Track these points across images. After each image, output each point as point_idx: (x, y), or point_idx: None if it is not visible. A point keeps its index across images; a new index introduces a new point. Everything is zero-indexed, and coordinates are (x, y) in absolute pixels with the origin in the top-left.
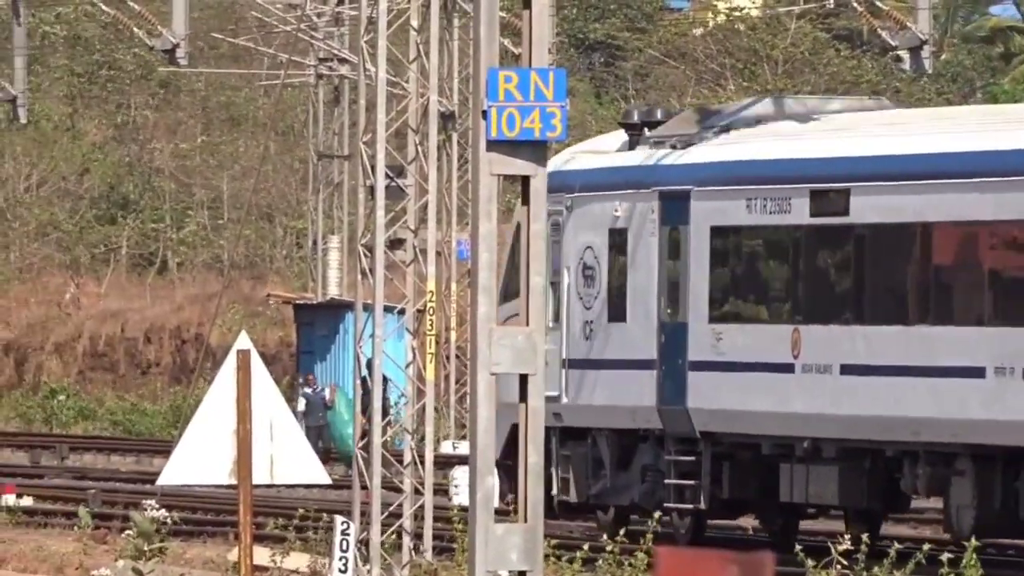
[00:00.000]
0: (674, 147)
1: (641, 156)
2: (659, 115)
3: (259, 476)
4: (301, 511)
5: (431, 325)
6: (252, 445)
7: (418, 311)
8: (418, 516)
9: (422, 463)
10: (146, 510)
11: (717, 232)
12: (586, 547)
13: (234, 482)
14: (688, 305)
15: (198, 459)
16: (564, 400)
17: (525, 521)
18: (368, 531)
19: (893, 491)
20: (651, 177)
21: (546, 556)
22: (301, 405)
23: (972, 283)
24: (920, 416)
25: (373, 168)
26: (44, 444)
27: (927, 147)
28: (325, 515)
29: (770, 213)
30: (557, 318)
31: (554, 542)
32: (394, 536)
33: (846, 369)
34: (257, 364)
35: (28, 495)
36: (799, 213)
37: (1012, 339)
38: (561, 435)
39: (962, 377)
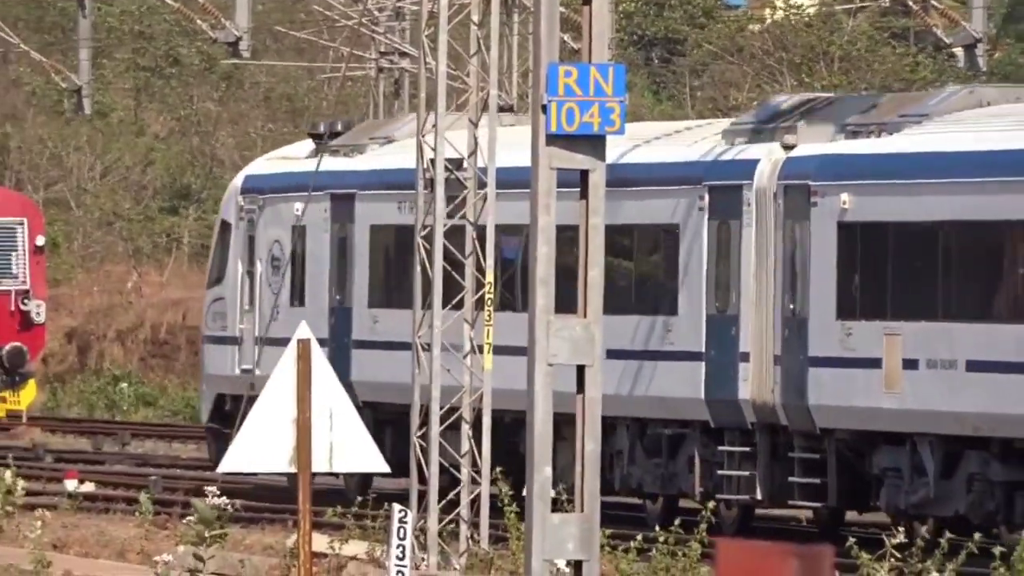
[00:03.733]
0: (347, 155)
1: (321, 163)
2: (340, 126)
3: (318, 464)
4: (360, 499)
5: (489, 315)
6: (312, 433)
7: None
8: (475, 504)
9: (480, 452)
10: (207, 496)
11: (375, 230)
12: (639, 537)
13: (294, 470)
14: (353, 292)
15: (258, 447)
16: (257, 372)
17: (582, 511)
18: (426, 519)
19: None
20: (326, 181)
21: (601, 546)
22: None
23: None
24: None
25: (433, 161)
26: (106, 431)
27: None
28: (385, 503)
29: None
30: (252, 302)
31: (609, 532)
32: (451, 525)
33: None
34: (317, 353)
35: (90, 480)
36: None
37: None
38: (254, 403)
39: None
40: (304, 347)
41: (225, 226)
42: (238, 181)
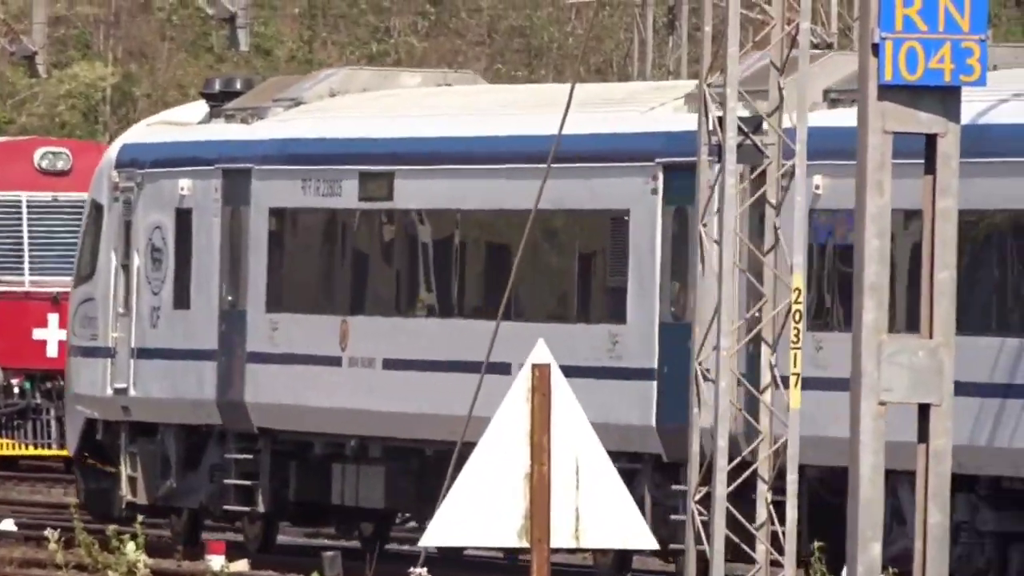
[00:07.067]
0: (244, 121)
1: (212, 130)
2: (238, 85)
3: (560, 537)
4: None
5: (797, 335)
6: (552, 495)
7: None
8: None
9: (782, 523)
10: None
11: (275, 214)
12: None
13: (525, 545)
14: (248, 293)
15: (475, 513)
16: (132, 393)
17: None
18: None
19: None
20: (216, 153)
21: None
22: None
23: None
24: (461, 414)
25: (720, 120)
26: None
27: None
28: None
29: (322, 195)
30: (128, 304)
31: None
32: None
33: (389, 364)
34: (560, 383)
35: (243, 556)
36: (349, 196)
37: None
38: (130, 430)
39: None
40: (542, 375)
41: (96, 208)
42: (112, 152)
